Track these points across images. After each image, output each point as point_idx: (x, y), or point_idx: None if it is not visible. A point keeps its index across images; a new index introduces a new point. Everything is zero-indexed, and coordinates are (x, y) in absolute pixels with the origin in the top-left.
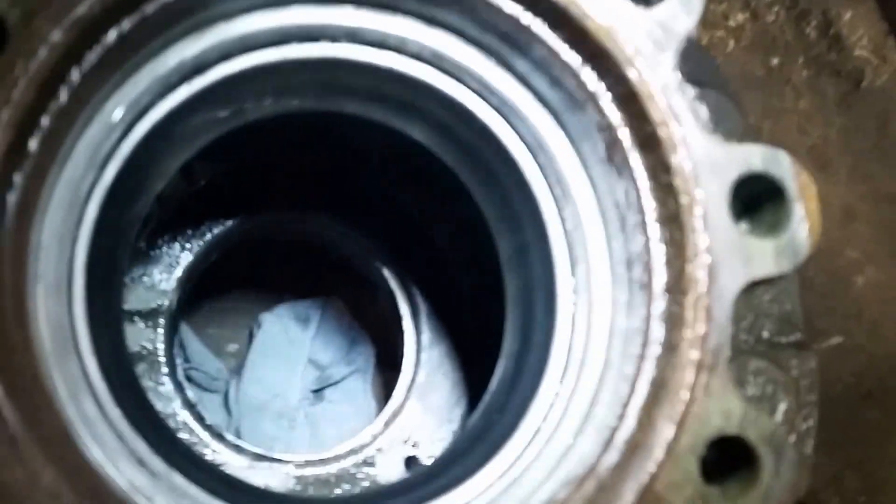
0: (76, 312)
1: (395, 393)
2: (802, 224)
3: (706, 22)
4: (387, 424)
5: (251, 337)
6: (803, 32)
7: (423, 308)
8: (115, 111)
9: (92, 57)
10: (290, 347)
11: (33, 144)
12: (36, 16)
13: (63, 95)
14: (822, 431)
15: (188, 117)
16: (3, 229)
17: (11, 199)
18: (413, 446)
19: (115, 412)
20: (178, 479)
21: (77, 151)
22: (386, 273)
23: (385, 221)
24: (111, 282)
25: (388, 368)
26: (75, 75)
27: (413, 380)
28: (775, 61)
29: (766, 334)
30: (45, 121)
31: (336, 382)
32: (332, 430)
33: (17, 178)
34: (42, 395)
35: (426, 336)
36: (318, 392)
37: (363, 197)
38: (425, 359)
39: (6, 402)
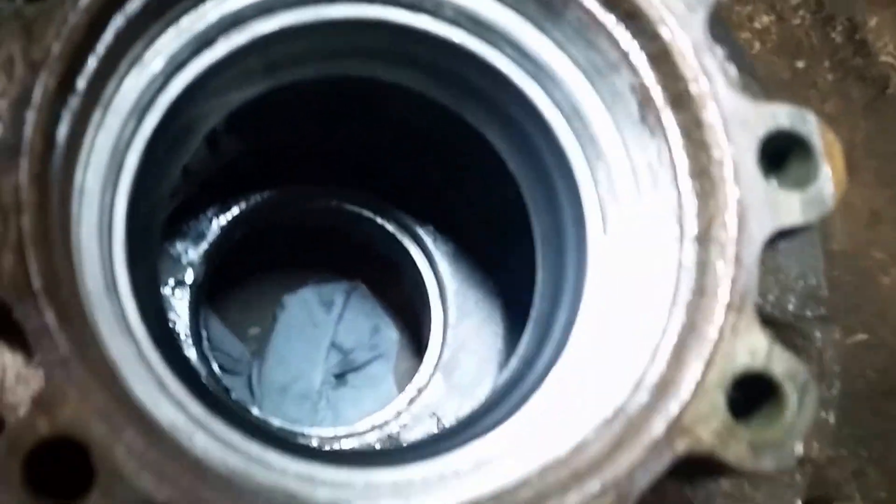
0: (116, 258)
1: (421, 369)
2: (828, 180)
3: (732, 23)
4: (412, 400)
5: (274, 320)
6: (829, 36)
7: (449, 286)
8: (155, 61)
9: (137, 2)
10: (313, 330)
11: (81, 83)
12: None
13: (109, 37)
14: (846, 426)
15: (224, 74)
16: (53, 164)
17: (61, 134)
18: (437, 422)
19: (154, 355)
20: (216, 424)
21: (118, 98)
22: (413, 252)
23: (413, 199)
24: (148, 236)
25: (411, 355)
26: (120, 20)
27: (439, 357)
28: (801, 64)
29: (791, 308)
30: (91, 61)
31: (359, 367)
32: (354, 415)
33: (66, 115)
34: (87, 329)
35: (453, 314)
36: (340, 376)
37: (391, 175)
38: (452, 336)
39: (57, 327)
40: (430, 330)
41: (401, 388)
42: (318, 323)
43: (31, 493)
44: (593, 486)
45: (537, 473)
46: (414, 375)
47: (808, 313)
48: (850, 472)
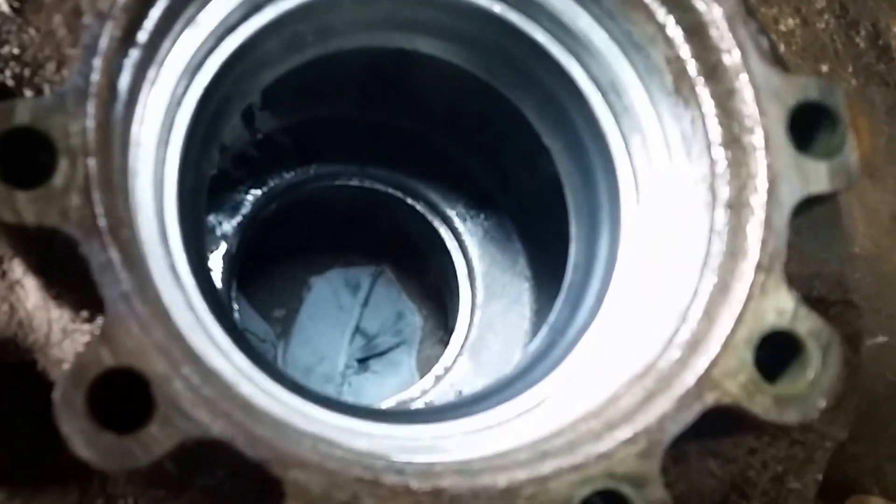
0: (167, 210)
1: (447, 350)
2: (854, 150)
3: None
4: (438, 379)
5: (300, 302)
6: (853, 41)
7: (478, 267)
8: (208, 23)
9: None
10: (339, 312)
11: (142, 37)
12: None
13: None
14: (865, 425)
15: (271, 40)
16: (115, 113)
17: (123, 84)
18: None
19: (201, 305)
20: (259, 375)
21: (172, 57)
22: (443, 232)
23: (444, 179)
24: (195, 194)
25: (433, 343)
26: None
27: (466, 337)
28: (825, 68)
29: (815, 292)
30: (152, 16)
31: (382, 352)
32: (376, 400)
33: (127, 66)
34: (143, 271)
35: (481, 295)
36: (363, 361)
37: (423, 154)
38: (479, 317)
39: (121, 264)
40: (457, 311)
41: (422, 375)
42: (343, 305)
43: (93, 423)
44: (625, 432)
45: (570, 425)
46: (436, 363)
47: (832, 297)
48: (868, 468)
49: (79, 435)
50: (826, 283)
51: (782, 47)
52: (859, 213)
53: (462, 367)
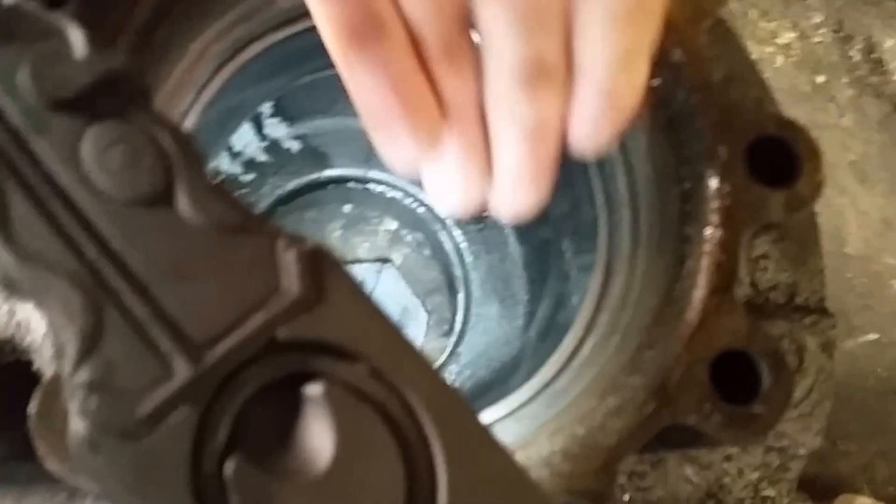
0: None
1: (442, 350)
2: (808, 182)
3: (756, 38)
4: None
5: None
6: (847, 54)
7: (473, 275)
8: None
9: None
10: None
11: None
12: None
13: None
14: (856, 422)
15: (280, 54)
16: None
17: None
18: None
19: None
20: None
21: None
22: (442, 237)
23: None
24: None
25: (435, 337)
26: None
27: (459, 339)
28: (821, 79)
29: (789, 302)
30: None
31: None
32: None
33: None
34: None
35: (477, 296)
36: None
37: None
38: (473, 319)
39: None
40: (455, 310)
41: None
42: None
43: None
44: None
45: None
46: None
47: (806, 306)
48: (859, 465)
49: (52, 448)
50: (801, 292)
51: (780, 59)
52: (852, 216)
53: (452, 368)
